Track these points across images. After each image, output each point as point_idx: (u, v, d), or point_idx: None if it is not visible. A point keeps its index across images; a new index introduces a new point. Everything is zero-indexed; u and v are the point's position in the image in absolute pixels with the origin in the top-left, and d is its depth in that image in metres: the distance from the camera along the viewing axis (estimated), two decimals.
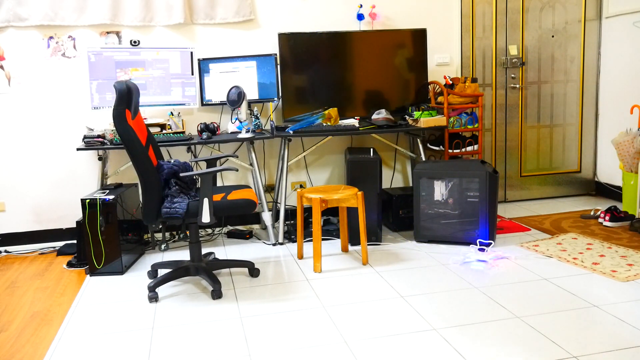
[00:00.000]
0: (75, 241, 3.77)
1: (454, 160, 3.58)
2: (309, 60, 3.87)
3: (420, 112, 3.74)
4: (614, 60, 4.44)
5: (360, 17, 4.08)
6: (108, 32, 3.79)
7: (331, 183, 4.28)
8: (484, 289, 2.79)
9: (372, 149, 3.75)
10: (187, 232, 3.90)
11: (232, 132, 3.81)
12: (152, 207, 2.71)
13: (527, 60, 4.47)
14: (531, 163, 4.62)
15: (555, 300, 2.62)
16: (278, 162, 4.11)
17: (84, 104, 3.83)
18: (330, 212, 4.19)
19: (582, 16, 4.50)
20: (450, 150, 3.90)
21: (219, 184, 4.11)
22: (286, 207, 4.11)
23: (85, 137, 3.44)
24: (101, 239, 3.14)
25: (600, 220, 3.88)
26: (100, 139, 3.41)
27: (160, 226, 3.80)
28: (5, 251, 3.79)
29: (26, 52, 3.71)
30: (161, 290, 2.94)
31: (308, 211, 4.05)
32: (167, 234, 3.94)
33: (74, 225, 3.76)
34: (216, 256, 3.45)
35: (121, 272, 3.20)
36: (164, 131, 3.66)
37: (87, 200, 3.10)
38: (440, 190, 3.51)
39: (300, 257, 3.39)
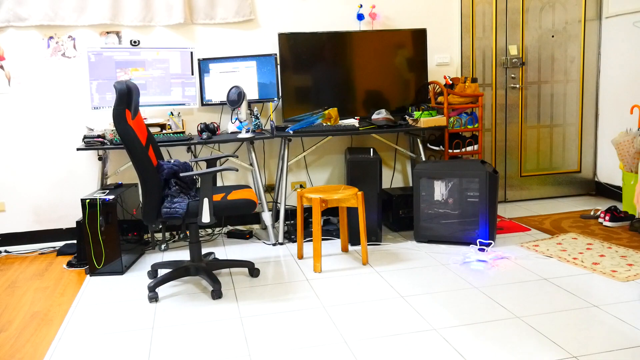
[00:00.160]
0: (75, 241, 3.77)
1: (454, 160, 3.58)
2: (309, 60, 3.87)
3: (420, 112, 3.74)
4: (614, 60, 4.44)
5: (360, 17, 4.08)
6: (108, 32, 3.79)
7: (331, 183, 4.28)
8: (484, 289, 2.79)
9: (372, 149, 3.75)
10: (187, 232, 3.90)
11: (232, 132, 3.81)
12: (152, 207, 2.71)
13: (527, 60, 4.47)
14: (531, 163, 4.62)
15: (555, 300, 2.62)
16: (278, 162, 4.11)
17: (84, 104, 3.83)
18: (330, 212, 4.19)
19: (582, 16, 4.50)
20: (450, 150, 3.90)
21: (219, 184, 4.11)
22: (286, 207, 4.11)
23: (85, 137, 3.44)
24: (101, 239, 3.14)
25: (600, 220, 3.88)
26: (100, 139, 3.41)
27: (160, 226, 3.80)
28: (5, 251, 3.79)
29: (26, 52, 3.71)
30: (161, 290, 2.94)
31: (308, 211, 4.05)
32: (167, 234, 3.94)
33: (74, 225, 3.76)
34: (216, 256, 3.45)
35: (121, 272, 3.20)
36: (164, 131, 3.66)
37: (87, 200, 3.10)
38: (440, 190, 3.51)
39: (300, 257, 3.39)
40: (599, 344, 2.18)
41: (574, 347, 2.16)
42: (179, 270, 2.93)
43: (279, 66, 3.85)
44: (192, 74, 3.75)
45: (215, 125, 3.69)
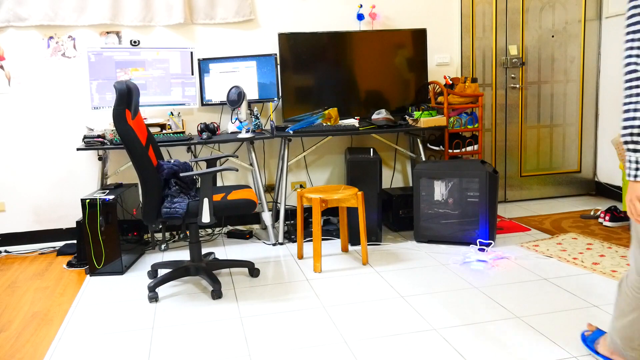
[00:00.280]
0: (75, 241, 3.77)
1: (454, 160, 3.58)
2: (309, 60, 3.87)
3: (420, 112, 3.74)
4: (614, 60, 4.44)
5: (360, 17, 4.08)
6: (108, 32, 3.79)
7: (331, 183, 4.28)
8: (484, 289, 2.79)
9: (372, 149, 3.75)
10: (187, 232, 3.90)
11: (232, 132, 3.81)
12: (152, 207, 2.71)
13: (527, 60, 4.47)
14: (531, 163, 4.62)
15: (555, 300, 2.62)
16: (278, 162, 4.11)
17: (84, 104, 3.83)
18: (330, 212, 4.19)
19: (582, 16, 4.50)
20: (450, 150, 3.90)
21: (219, 184, 4.11)
22: (286, 207, 4.11)
23: (85, 137, 3.44)
24: (101, 239, 3.14)
25: (600, 220, 3.88)
26: (100, 139, 3.41)
27: (160, 226, 3.80)
28: (5, 251, 3.79)
29: (26, 52, 3.70)
30: (161, 290, 2.94)
31: (308, 211, 4.05)
32: (167, 234, 3.94)
33: (74, 225, 3.76)
34: (216, 256, 3.45)
35: (121, 272, 3.20)
36: (164, 131, 3.66)
37: (87, 200, 3.10)
38: (440, 190, 3.51)
39: (300, 257, 3.39)
40: None
41: (574, 347, 2.16)
42: (179, 270, 2.93)
43: (279, 66, 3.85)
44: (192, 74, 3.75)
45: (215, 125, 3.69)
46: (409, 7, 4.21)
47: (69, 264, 3.41)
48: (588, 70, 4.59)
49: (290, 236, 3.78)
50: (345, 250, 3.48)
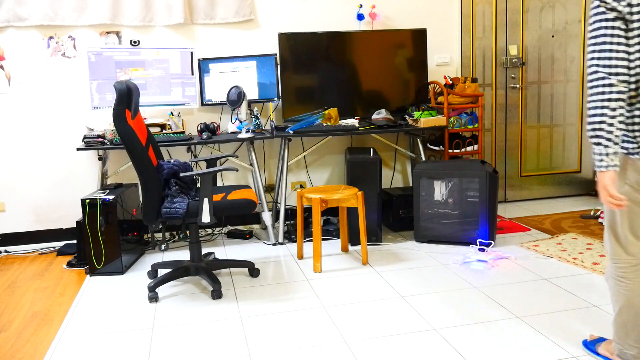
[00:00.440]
0: (75, 241, 3.77)
1: (454, 160, 3.58)
2: (309, 60, 3.87)
3: (420, 112, 3.74)
4: None
5: (360, 17, 4.08)
6: (108, 32, 3.79)
7: (331, 183, 4.28)
8: (484, 289, 2.79)
9: (372, 149, 3.75)
10: (187, 232, 3.90)
11: (232, 132, 3.81)
12: (152, 207, 2.71)
13: (527, 60, 4.47)
14: (531, 163, 4.62)
15: (555, 300, 2.62)
16: (278, 162, 4.11)
17: (84, 104, 3.82)
18: (330, 212, 4.19)
19: (582, 16, 4.50)
20: (450, 150, 3.90)
21: (219, 184, 4.11)
22: (286, 207, 4.11)
23: (85, 137, 3.44)
24: (101, 239, 3.14)
25: (600, 220, 3.88)
26: (100, 139, 3.41)
27: (160, 226, 3.80)
28: (5, 251, 3.79)
29: (26, 52, 3.70)
30: (161, 290, 2.94)
31: (308, 211, 4.05)
32: (167, 234, 3.94)
33: (74, 225, 3.76)
34: (216, 256, 3.45)
35: (121, 272, 3.20)
36: (164, 131, 3.66)
37: (87, 200, 3.10)
38: (440, 190, 3.51)
39: (300, 257, 3.39)
40: None
41: (574, 347, 2.16)
42: (179, 270, 2.93)
43: (279, 66, 3.85)
44: (192, 74, 3.75)
45: (215, 125, 3.69)
46: (409, 7, 4.21)
47: (69, 264, 3.41)
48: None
49: (290, 236, 3.78)
50: (345, 250, 3.48)
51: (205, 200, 2.69)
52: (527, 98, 4.53)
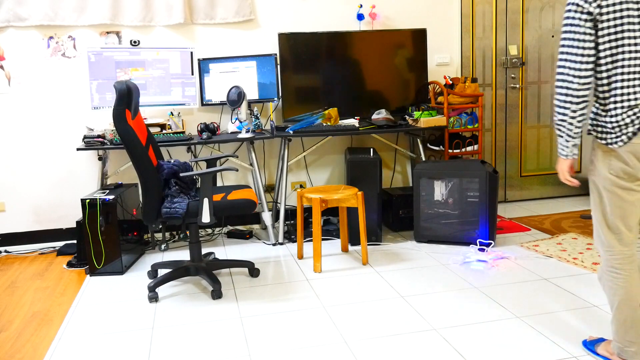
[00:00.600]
0: (75, 241, 3.77)
1: (454, 160, 3.58)
2: (309, 60, 3.87)
3: (420, 112, 3.74)
4: None
5: (360, 17, 4.08)
6: (108, 32, 3.79)
7: (331, 183, 4.28)
8: (484, 289, 2.79)
9: (372, 149, 3.75)
10: (187, 232, 3.90)
11: (232, 132, 3.81)
12: (152, 207, 2.71)
13: (527, 60, 4.47)
14: (531, 163, 4.62)
15: (555, 300, 2.62)
16: (278, 162, 4.11)
17: (84, 104, 3.82)
18: (330, 212, 4.19)
19: None
20: (450, 150, 3.90)
21: (219, 184, 4.11)
22: (286, 207, 4.11)
23: (85, 137, 3.44)
24: (101, 239, 3.14)
25: None
26: (100, 139, 3.41)
27: (160, 226, 3.80)
28: (5, 251, 3.79)
29: (26, 52, 3.70)
30: (161, 290, 2.94)
31: (308, 211, 4.05)
32: (167, 234, 3.94)
33: (74, 225, 3.76)
34: (216, 256, 3.45)
35: (121, 272, 3.20)
36: (164, 131, 3.66)
37: (87, 200, 3.10)
38: (440, 190, 3.51)
39: (300, 257, 3.39)
40: None
41: (574, 347, 2.16)
42: (179, 270, 2.93)
43: (279, 66, 3.85)
44: (192, 74, 3.75)
45: (215, 125, 3.69)
46: (409, 7, 4.21)
47: (69, 264, 3.41)
48: None
49: (290, 236, 3.78)
50: (345, 250, 3.48)
51: (205, 200, 2.69)
52: (527, 98, 4.53)
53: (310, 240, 3.69)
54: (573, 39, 1.80)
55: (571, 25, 1.80)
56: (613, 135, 1.83)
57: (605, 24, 1.76)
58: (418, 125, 3.69)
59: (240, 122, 3.61)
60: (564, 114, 1.86)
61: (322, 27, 4.08)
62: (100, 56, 3.59)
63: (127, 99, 2.67)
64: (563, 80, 1.83)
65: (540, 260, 3.18)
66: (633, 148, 1.80)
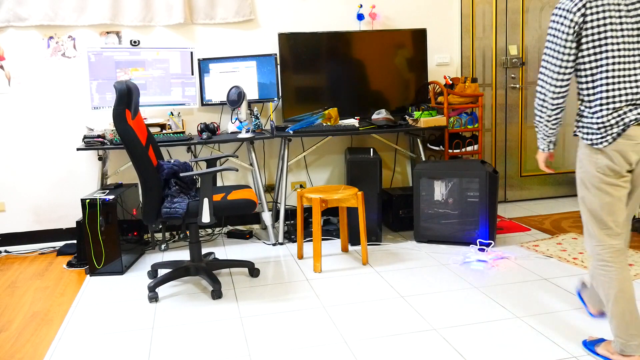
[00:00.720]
0: (75, 241, 3.77)
1: (454, 160, 3.58)
2: (309, 60, 3.87)
3: (420, 112, 3.74)
4: None
5: (360, 17, 4.08)
6: (108, 32, 3.79)
7: (331, 183, 4.28)
8: (484, 289, 2.79)
9: (372, 149, 3.75)
10: (187, 232, 3.90)
11: (232, 132, 3.81)
12: (152, 207, 2.71)
13: (527, 60, 4.47)
14: (531, 163, 4.62)
15: (555, 300, 2.62)
16: (278, 162, 4.11)
17: (84, 104, 3.82)
18: (330, 212, 4.19)
19: None
20: (450, 150, 3.90)
21: (219, 184, 4.11)
22: (286, 207, 4.11)
23: (85, 137, 3.44)
24: (101, 239, 3.14)
25: None
26: (100, 139, 3.41)
27: (160, 226, 3.80)
28: (5, 251, 3.79)
29: (26, 52, 3.70)
30: (161, 290, 2.94)
31: (308, 211, 4.05)
32: (167, 234, 3.94)
33: (74, 225, 3.76)
34: (216, 256, 3.45)
35: (121, 272, 3.20)
36: (164, 131, 3.66)
37: (87, 200, 3.10)
38: (440, 190, 3.51)
39: (300, 257, 3.39)
40: None
41: (574, 347, 2.16)
42: (179, 270, 2.93)
43: (279, 66, 3.85)
44: (192, 74, 3.75)
45: (215, 125, 3.69)
46: (409, 7, 4.21)
47: (69, 264, 3.41)
48: None
49: (290, 236, 3.78)
50: (345, 250, 3.48)
51: (205, 200, 2.69)
52: (527, 98, 4.53)
53: (310, 240, 3.69)
54: (554, 50, 1.92)
55: (554, 36, 1.92)
56: (598, 136, 1.91)
57: (589, 31, 1.86)
58: (418, 125, 3.69)
59: (240, 122, 3.61)
60: (541, 117, 2.04)
61: (322, 27, 4.08)
62: (100, 56, 3.59)
63: (127, 99, 2.67)
64: (542, 87, 1.99)
65: (540, 260, 3.18)
66: (618, 147, 1.88)
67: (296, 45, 3.84)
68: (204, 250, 3.58)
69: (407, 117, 3.84)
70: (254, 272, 3.10)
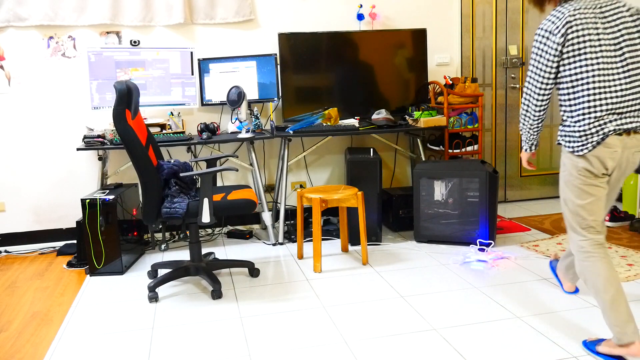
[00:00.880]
0: (75, 241, 3.77)
1: (454, 160, 3.58)
2: (309, 60, 3.87)
3: (420, 112, 3.74)
4: None
5: (360, 17, 4.08)
6: (108, 32, 3.79)
7: (331, 183, 4.28)
8: (484, 289, 2.79)
9: (372, 149, 3.75)
10: (187, 232, 3.90)
11: (232, 132, 3.81)
12: (152, 207, 2.71)
13: (527, 60, 4.47)
14: None
15: (555, 300, 2.62)
16: (278, 162, 4.11)
17: (84, 104, 3.83)
18: (330, 212, 4.19)
19: None
20: (450, 150, 3.90)
21: (219, 184, 4.11)
22: (286, 207, 4.11)
23: (85, 137, 3.44)
24: (101, 239, 3.14)
25: None
26: (100, 139, 3.41)
27: (160, 226, 3.80)
28: (5, 251, 3.79)
29: (26, 52, 3.71)
30: (161, 290, 2.94)
31: (308, 211, 4.05)
32: (167, 234, 3.94)
33: (74, 225, 3.76)
34: (216, 256, 3.45)
35: (121, 272, 3.20)
36: (164, 131, 3.66)
37: (87, 200, 3.10)
38: (440, 190, 3.51)
39: (300, 257, 3.39)
40: None
41: (574, 347, 2.16)
42: (179, 270, 2.93)
43: (279, 66, 3.85)
44: (192, 74, 3.75)
45: (215, 125, 3.69)
46: (409, 7, 4.21)
47: (69, 264, 3.41)
48: None
49: (290, 236, 3.78)
50: (345, 250, 3.48)
51: (205, 200, 2.70)
52: None
53: (310, 240, 3.69)
54: (538, 67, 2.11)
55: (538, 55, 2.11)
56: (579, 144, 2.07)
57: (569, 48, 2.03)
58: (418, 125, 3.69)
59: (240, 122, 3.61)
60: (524, 124, 2.25)
61: (322, 27, 4.08)
62: (100, 56, 3.59)
63: (127, 99, 2.67)
64: (527, 99, 2.19)
65: (540, 260, 3.18)
66: (598, 153, 2.05)
67: (296, 45, 3.84)
68: (204, 250, 3.58)
69: (407, 117, 3.84)
70: (254, 272, 3.10)
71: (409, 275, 3.01)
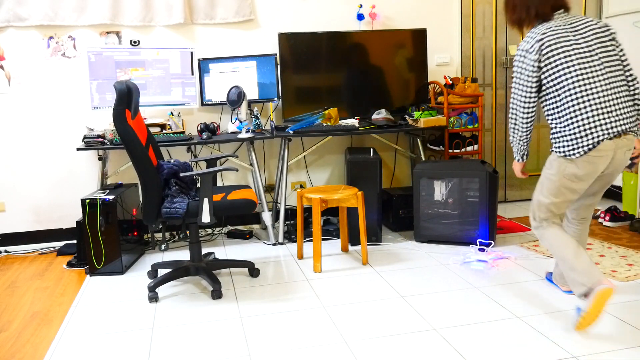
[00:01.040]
0: (75, 241, 3.77)
1: (454, 160, 3.58)
2: (309, 60, 3.87)
3: (420, 112, 3.74)
4: None
5: (360, 17, 4.08)
6: (108, 32, 3.79)
7: (331, 183, 4.28)
8: (484, 289, 2.79)
9: (372, 149, 3.75)
10: (187, 232, 3.90)
11: (232, 132, 3.81)
12: (152, 207, 2.71)
13: None
14: (531, 163, 4.62)
15: (555, 300, 2.62)
16: (278, 162, 4.11)
17: (84, 104, 3.83)
18: (330, 212, 4.19)
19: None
20: (450, 150, 3.90)
21: (219, 184, 4.11)
22: (286, 207, 4.11)
23: (85, 137, 3.44)
24: (101, 239, 3.14)
25: (600, 220, 3.88)
26: (100, 139, 3.41)
27: (160, 226, 3.80)
28: (5, 251, 3.79)
29: (26, 52, 3.71)
30: (161, 290, 2.94)
31: (308, 211, 4.05)
32: (167, 234, 3.94)
33: (74, 225, 3.76)
34: (216, 256, 3.45)
35: (121, 272, 3.20)
36: (164, 131, 3.66)
37: (87, 200, 3.10)
38: (440, 190, 3.51)
39: (300, 257, 3.39)
40: (600, 343, 2.18)
41: (574, 347, 2.16)
42: (179, 270, 2.93)
43: (279, 66, 3.85)
44: (192, 74, 3.75)
45: (215, 125, 3.69)
46: (409, 7, 4.21)
47: (69, 264, 3.41)
48: None
49: (290, 236, 3.78)
50: (345, 250, 3.48)
51: (205, 200, 2.70)
52: None
53: (310, 240, 3.69)
54: (520, 84, 2.32)
55: (520, 72, 2.32)
56: (570, 148, 2.23)
57: (546, 62, 2.24)
58: (418, 125, 3.69)
59: (240, 122, 3.61)
60: (514, 136, 2.44)
61: (322, 27, 4.08)
62: (100, 56, 3.59)
63: (127, 99, 2.67)
64: (514, 113, 2.39)
65: (540, 260, 3.18)
66: (587, 159, 2.22)
67: (296, 45, 3.84)
68: (204, 250, 3.59)
69: (407, 117, 3.84)
70: (254, 272, 3.10)
71: (409, 275, 3.01)
